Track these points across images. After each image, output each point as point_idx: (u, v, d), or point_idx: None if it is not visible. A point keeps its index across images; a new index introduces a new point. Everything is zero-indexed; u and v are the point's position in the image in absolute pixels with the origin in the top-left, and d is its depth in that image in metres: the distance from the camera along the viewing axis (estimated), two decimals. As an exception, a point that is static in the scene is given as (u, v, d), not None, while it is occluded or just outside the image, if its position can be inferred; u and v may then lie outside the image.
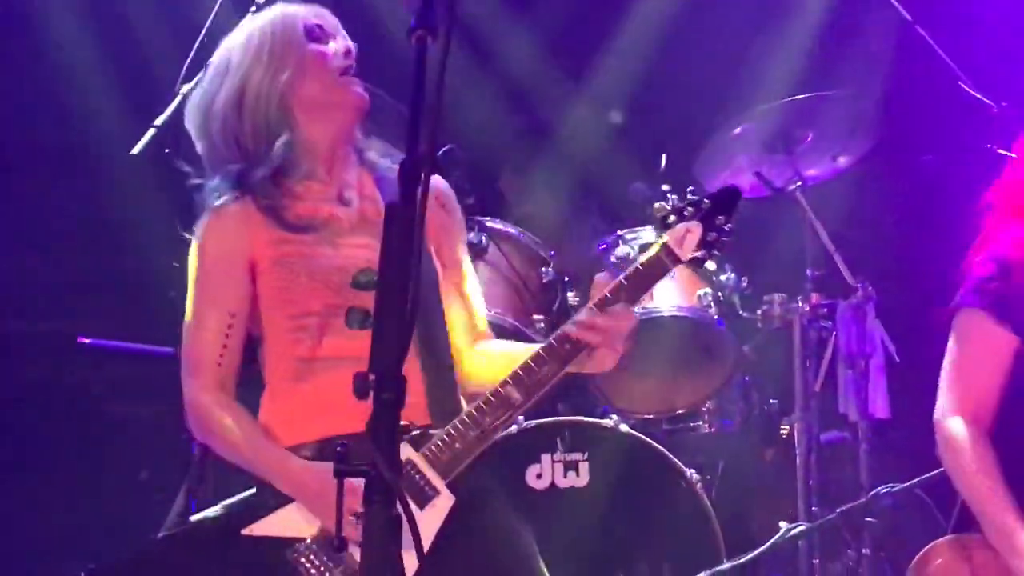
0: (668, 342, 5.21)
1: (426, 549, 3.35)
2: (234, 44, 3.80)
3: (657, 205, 3.61)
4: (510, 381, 3.47)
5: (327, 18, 3.81)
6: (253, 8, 5.29)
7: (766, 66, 6.02)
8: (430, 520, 3.41)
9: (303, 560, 3.42)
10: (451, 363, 3.70)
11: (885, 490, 5.12)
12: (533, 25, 6.69)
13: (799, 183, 5.47)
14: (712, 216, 3.56)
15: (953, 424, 3.64)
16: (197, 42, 5.23)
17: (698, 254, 3.55)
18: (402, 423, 3.18)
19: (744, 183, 5.61)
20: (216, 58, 3.84)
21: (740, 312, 5.47)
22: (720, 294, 5.46)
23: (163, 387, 5.64)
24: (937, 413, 3.69)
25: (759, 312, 5.50)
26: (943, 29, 5.42)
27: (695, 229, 3.54)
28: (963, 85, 5.31)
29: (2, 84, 6.36)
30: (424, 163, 2.61)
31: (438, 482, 3.43)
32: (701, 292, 5.44)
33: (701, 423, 5.46)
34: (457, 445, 3.44)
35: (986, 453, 3.60)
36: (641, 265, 3.53)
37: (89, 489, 6.19)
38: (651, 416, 5.36)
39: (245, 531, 3.45)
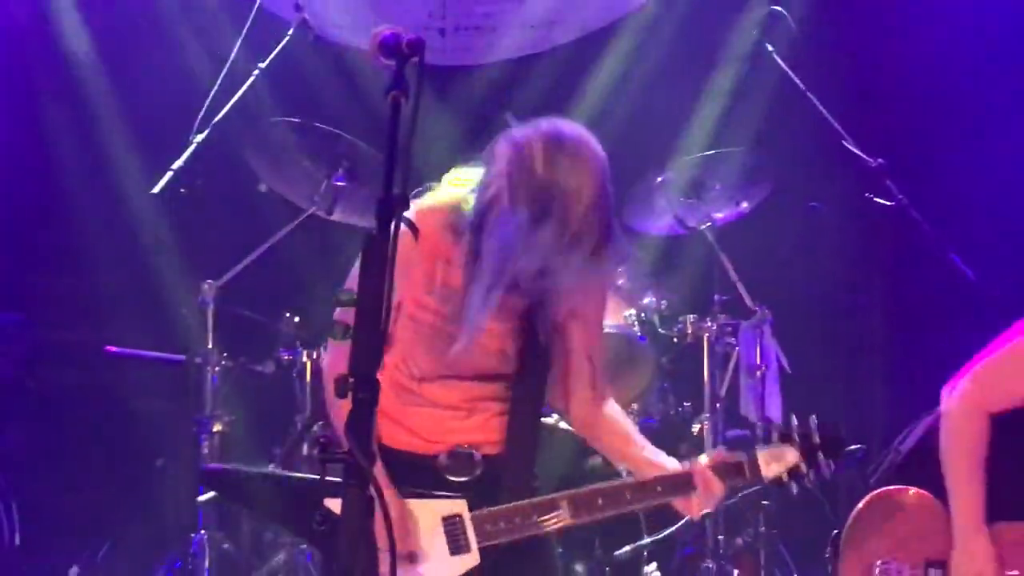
0: (611, 352, 5.17)
1: None
2: None
3: (775, 428, 3.43)
4: (576, 501, 3.34)
5: None
6: (268, 60, 5.29)
7: (684, 125, 5.96)
8: (453, 566, 3.33)
9: None
10: (541, 408, 3.51)
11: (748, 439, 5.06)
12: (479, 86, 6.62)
13: (709, 223, 5.45)
14: (814, 455, 3.34)
15: (974, 410, 3.50)
16: (207, 101, 5.20)
17: (784, 479, 3.36)
18: (472, 448, 3.39)
19: (664, 223, 5.61)
20: None
21: (659, 329, 5.47)
22: (643, 314, 5.46)
23: (174, 388, 5.66)
24: (962, 391, 3.52)
25: (675, 329, 5.47)
26: (832, 95, 5.40)
27: (790, 455, 3.34)
28: (846, 144, 5.28)
29: (48, 125, 6.30)
30: (396, 202, 2.59)
31: (472, 542, 3.31)
32: (627, 313, 5.43)
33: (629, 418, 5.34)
34: (502, 524, 3.32)
35: (984, 445, 3.49)
36: (734, 464, 3.34)
37: (113, 474, 6.15)
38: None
39: (327, 502, 3.22)
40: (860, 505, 3.60)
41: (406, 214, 3.16)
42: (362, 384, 2.49)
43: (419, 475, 3.37)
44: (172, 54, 6.21)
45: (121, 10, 6.43)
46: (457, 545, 3.33)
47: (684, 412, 5.53)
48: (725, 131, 5.64)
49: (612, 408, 3.54)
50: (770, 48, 5.40)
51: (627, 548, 4.87)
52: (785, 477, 3.32)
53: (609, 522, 4.72)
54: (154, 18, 6.37)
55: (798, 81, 5.33)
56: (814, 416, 3.40)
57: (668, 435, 5.46)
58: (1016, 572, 3.44)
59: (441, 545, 3.33)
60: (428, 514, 3.33)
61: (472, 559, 3.32)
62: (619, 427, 3.51)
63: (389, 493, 3.26)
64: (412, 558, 3.32)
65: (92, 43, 6.36)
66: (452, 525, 3.33)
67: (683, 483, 3.34)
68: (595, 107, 6.30)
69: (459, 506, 3.33)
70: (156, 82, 6.16)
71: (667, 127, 6.09)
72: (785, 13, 5.38)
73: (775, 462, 3.33)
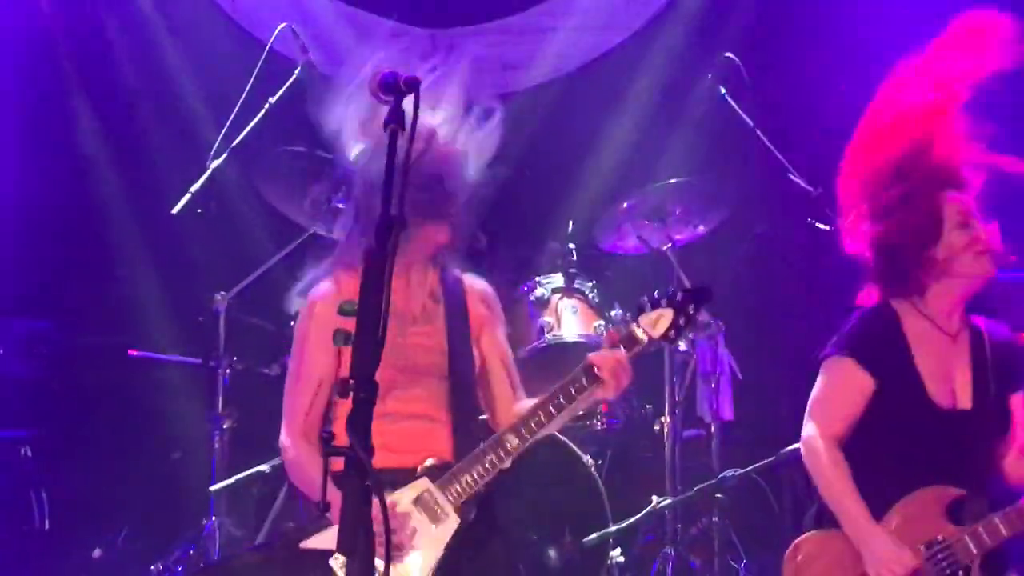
0: (572, 360, 5.07)
1: (433, 562, 3.34)
2: None
3: (645, 297, 3.48)
4: (517, 427, 3.38)
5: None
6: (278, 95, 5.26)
7: (648, 157, 5.95)
8: (441, 534, 3.35)
9: (338, 566, 3.30)
10: (476, 416, 3.61)
11: (730, 473, 5.08)
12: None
13: (670, 244, 5.43)
14: (684, 307, 3.45)
15: (820, 444, 3.49)
16: (222, 132, 5.18)
17: (669, 334, 3.45)
18: (430, 462, 3.42)
19: (629, 244, 5.61)
20: None
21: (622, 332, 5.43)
22: (610, 326, 5.37)
23: (190, 388, 5.66)
24: (806, 434, 3.54)
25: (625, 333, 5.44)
26: (779, 133, 5.44)
27: (667, 315, 3.44)
28: (791, 176, 5.31)
29: (82, 154, 6.29)
30: (394, 221, 2.61)
31: (448, 506, 3.35)
32: (596, 324, 5.41)
33: (595, 421, 5.37)
34: (465, 478, 3.36)
35: (844, 466, 3.47)
36: (627, 335, 3.44)
37: (134, 465, 6.10)
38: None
39: (302, 544, 3.35)
40: (787, 557, 3.52)
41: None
42: (362, 384, 2.49)
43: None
44: (194, 88, 6.21)
45: (146, 51, 6.41)
46: (435, 516, 3.35)
47: (646, 413, 5.52)
48: (684, 163, 5.65)
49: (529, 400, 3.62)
50: (723, 91, 5.41)
51: (594, 536, 4.85)
52: (671, 334, 3.44)
53: (577, 512, 4.83)
54: (178, 57, 6.36)
55: (749, 120, 5.37)
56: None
57: (632, 434, 5.52)
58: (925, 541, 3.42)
59: (423, 523, 3.35)
60: (404, 503, 3.35)
61: (453, 521, 3.35)
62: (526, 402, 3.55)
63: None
64: (400, 548, 3.32)
65: (125, 75, 6.37)
66: (424, 502, 3.35)
67: (589, 372, 3.37)
68: (570, 141, 6.34)
69: (423, 483, 3.36)
70: (178, 112, 6.15)
71: (633, 159, 6.12)
72: (738, 61, 5.39)
73: (658, 323, 3.42)
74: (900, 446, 3.49)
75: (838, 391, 3.55)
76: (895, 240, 3.53)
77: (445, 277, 3.65)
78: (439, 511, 3.35)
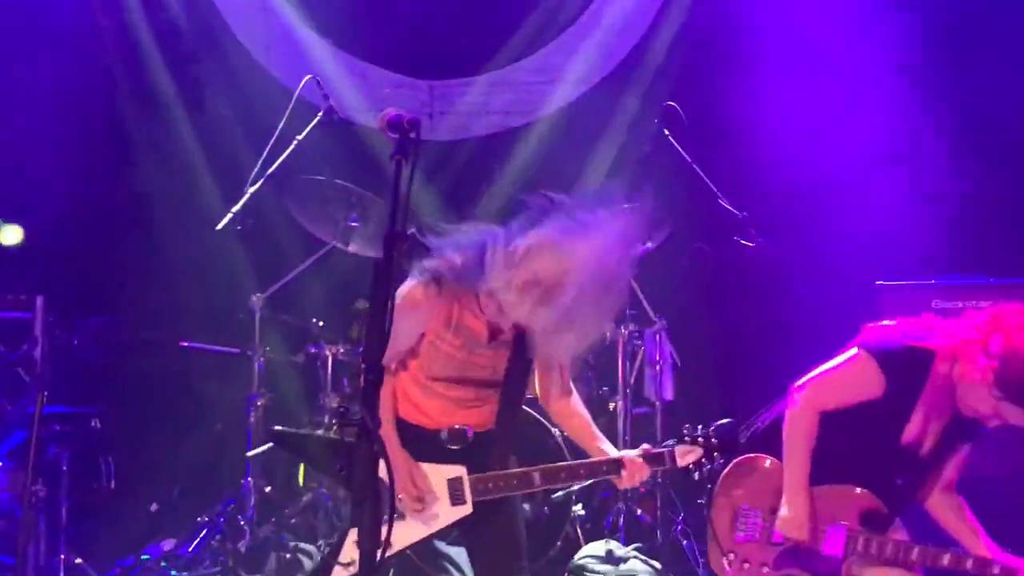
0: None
1: (441, 527, 3.41)
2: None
3: (688, 431, 3.50)
4: (543, 474, 3.45)
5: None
6: (304, 133, 5.31)
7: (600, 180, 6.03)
8: (453, 515, 3.40)
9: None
10: (520, 403, 3.59)
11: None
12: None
13: (624, 257, 5.43)
14: (710, 453, 3.47)
15: (808, 409, 3.50)
16: (259, 162, 5.21)
17: (689, 467, 3.48)
18: (481, 429, 3.43)
19: None
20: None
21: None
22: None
23: (230, 373, 5.74)
24: (802, 396, 3.51)
25: None
26: (711, 167, 5.48)
27: (696, 452, 3.46)
28: (721, 202, 5.37)
29: (142, 178, 6.32)
30: (398, 237, 2.65)
31: (469, 497, 3.40)
32: None
33: None
34: (491, 485, 3.41)
35: (814, 433, 3.50)
36: (655, 455, 3.46)
37: (183, 436, 6.15)
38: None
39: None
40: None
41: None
42: (372, 369, 2.57)
43: (423, 444, 3.43)
44: (234, 126, 6.26)
45: (196, 95, 6.48)
46: (457, 499, 3.41)
47: (603, 394, 5.54)
48: (634, 189, 5.61)
49: (577, 401, 3.67)
50: (667, 133, 5.42)
51: (561, 493, 4.89)
52: (692, 467, 3.46)
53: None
54: (222, 101, 6.44)
55: (687, 157, 5.40)
56: (715, 425, 3.49)
57: (592, 411, 5.29)
58: (836, 523, 3.49)
59: (444, 498, 3.40)
60: (436, 475, 3.40)
61: (467, 509, 3.41)
62: (583, 420, 3.63)
63: (400, 453, 3.37)
64: (421, 501, 3.37)
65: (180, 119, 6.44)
66: (454, 484, 3.40)
67: (618, 465, 3.43)
68: (547, 169, 6.37)
69: (460, 471, 3.41)
70: (221, 146, 6.21)
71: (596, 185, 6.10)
72: (678, 108, 5.41)
73: (687, 455, 3.45)
74: (858, 449, 3.49)
75: (851, 380, 3.49)
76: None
77: None
78: (461, 497, 3.39)
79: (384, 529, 2.55)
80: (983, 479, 3.77)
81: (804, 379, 3.56)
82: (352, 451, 3.15)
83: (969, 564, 3.44)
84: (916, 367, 3.43)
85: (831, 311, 4.94)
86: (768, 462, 3.59)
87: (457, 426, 3.45)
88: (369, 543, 2.55)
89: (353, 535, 3.25)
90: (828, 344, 5.26)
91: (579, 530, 4.99)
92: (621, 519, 5.11)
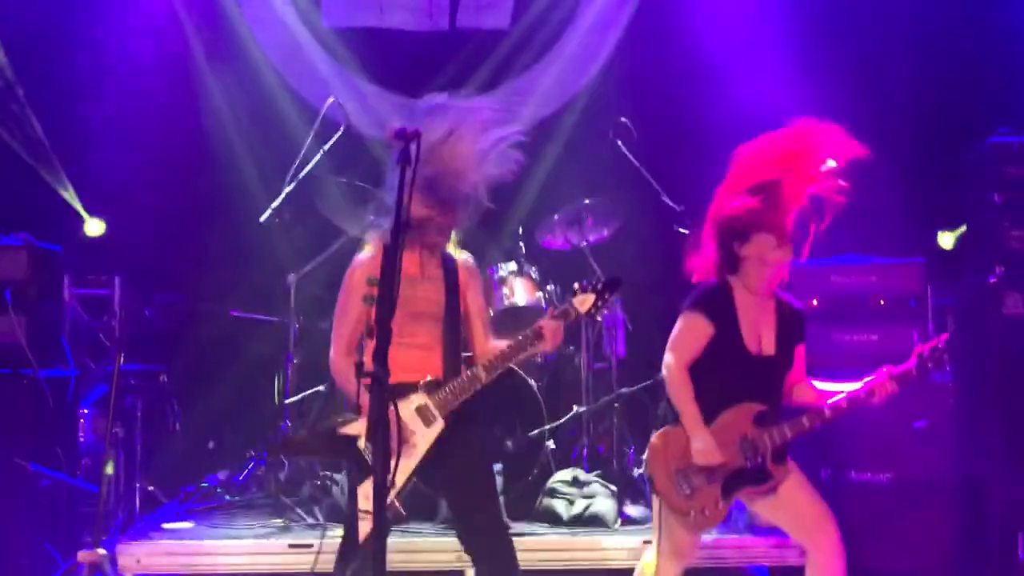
0: (522, 318, 5.18)
1: (425, 452, 3.31)
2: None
3: (577, 283, 3.47)
4: (486, 367, 3.37)
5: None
6: (328, 144, 5.25)
7: (571, 186, 5.90)
8: (431, 433, 3.33)
9: (363, 447, 3.29)
10: (460, 350, 3.51)
11: (624, 390, 5.18)
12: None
13: (586, 243, 5.45)
14: (602, 294, 3.44)
15: (675, 368, 3.51)
16: (293, 167, 5.17)
17: (591, 311, 3.45)
18: (430, 378, 3.35)
19: (559, 242, 5.60)
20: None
21: (555, 303, 5.40)
22: (547, 295, 5.44)
23: (272, 337, 5.69)
24: (667, 361, 3.52)
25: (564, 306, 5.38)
26: (655, 169, 5.45)
27: (591, 298, 3.44)
28: (663, 198, 5.36)
29: (205, 189, 6.30)
30: (403, 226, 2.69)
31: (437, 413, 3.33)
32: (538, 294, 5.41)
33: (537, 357, 5.27)
34: (449, 394, 3.35)
35: (688, 383, 3.49)
36: (563, 310, 3.44)
37: (235, 388, 6.12)
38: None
39: (341, 430, 3.33)
40: (647, 450, 3.55)
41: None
42: (382, 330, 2.59)
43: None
44: (273, 139, 6.22)
45: (248, 110, 6.44)
46: (428, 420, 3.33)
47: (570, 351, 5.52)
48: (595, 189, 5.64)
49: (497, 341, 3.59)
50: (620, 143, 5.43)
51: (536, 431, 4.87)
52: (593, 309, 3.44)
53: (526, 416, 4.87)
54: (260, 119, 6.39)
55: (636, 162, 5.40)
56: (596, 276, 3.58)
57: (561, 365, 5.52)
58: (741, 436, 3.47)
59: (419, 424, 3.33)
60: (406, 410, 3.33)
61: (439, 425, 3.33)
62: (500, 345, 3.51)
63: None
64: (404, 442, 3.30)
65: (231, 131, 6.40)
66: (421, 410, 3.32)
67: (538, 334, 3.38)
68: (523, 173, 6.10)
69: (421, 397, 3.34)
70: (264, 155, 6.16)
71: (562, 185, 6.13)
72: (629, 124, 5.43)
73: (585, 302, 3.44)
74: (723, 376, 3.50)
75: (690, 333, 3.53)
76: (729, 237, 3.54)
77: (445, 254, 3.61)
78: (431, 416, 3.33)
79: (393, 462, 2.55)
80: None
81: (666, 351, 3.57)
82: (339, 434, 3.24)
83: (828, 413, 3.50)
84: (720, 293, 3.53)
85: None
86: (670, 431, 3.53)
87: (429, 378, 3.39)
88: (381, 475, 2.53)
89: (364, 488, 3.19)
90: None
91: (551, 460, 4.98)
92: (584, 452, 5.10)
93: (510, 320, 5.10)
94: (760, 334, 3.53)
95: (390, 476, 2.71)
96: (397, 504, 3.17)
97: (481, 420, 3.55)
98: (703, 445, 3.43)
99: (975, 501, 4.66)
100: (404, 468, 3.31)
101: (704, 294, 3.56)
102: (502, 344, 3.45)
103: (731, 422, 3.48)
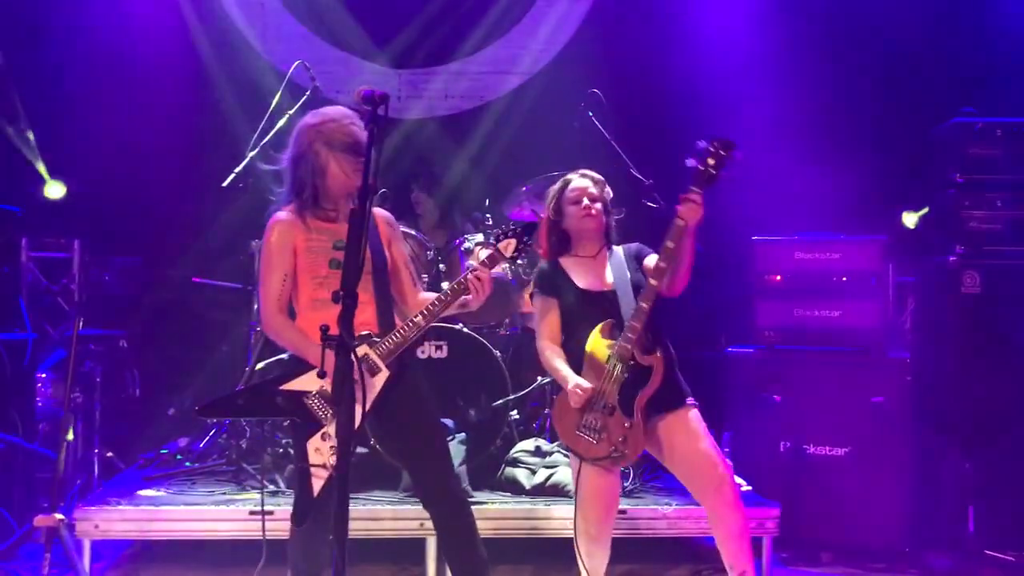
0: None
1: (373, 400, 3.28)
2: (305, 127, 3.45)
3: (498, 231, 3.50)
4: (421, 312, 3.35)
5: (359, 138, 3.37)
6: (294, 108, 5.17)
7: (540, 157, 5.82)
8: (376, 383, 3.30)
9: (311, 402, 3.28)
10: (392, 303, 3.47)
11: (491, 242, 5.25)
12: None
13: (550, 214, 5.44)
14: (522, 236, 3.46)
15: (544, 345, 3.73)
16: (256, 132, 5.13)
17: (514, 254, 3.46)
18: (365, 332, 3.31)
19: (525, 213, 5.58)
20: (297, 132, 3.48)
21: (522, 276, 5.44)
22: (513, 268, 5.44)
23: (234, 304, 5.64)
24: (538, 340, 3.76)
25: (530, 276, 5.37)
26: (625, 143, 5.42)
27: (513, 243, 3.46)
28: (632, 171, 5.34)
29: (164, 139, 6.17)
30: (370, 190, 2.68)
31: (380, 363, 3.31)
32: (504, 265, 5.31)
33: (501, 329, 5.43)
34: (389, 344, 3.33)
35: (558, 352, 3.68)
36: (489, 256, 3.42)
37: (198, 354, 6.08)
38: (479, 325, 5.28)
39: (283, 386, 3.29)
40: (551, 418, 3.82)
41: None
42: (348, 295, 2.58)
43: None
44: (237, 103, 6.14)
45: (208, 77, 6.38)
46: (372, 370, 3.30)
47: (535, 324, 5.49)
48: (563, 161, 5.56)
49: (425, 292, 3.58)
50: (591, 114, 5.40)
51: (500, 401, 4.89)
52: (516, 253, 3.45)
53: (490, 387, 4.88)
54: (227, 83, 6.32)
55: (606, 134, 5.38)
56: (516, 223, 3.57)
57: (525, 339, 5.45)
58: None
59: (365, 375, 3.27)
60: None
61: (384, 374, 3.31)
62: (429, 296, 3.49)
63: (319, 357, 3.21)
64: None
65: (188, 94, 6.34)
66: (365, 361, 3.29)
67: (462, 286, 3.36)
68: (494, 144, 6.36)
69: (363, 349, 3.30)
70: (226, 120, 6.08)
71: (529, 157, 6.09)
72: (601, 95, 5.39)
73: (508, 246, 3.44)
74: (578, 320, 3.66)
75: (544, 313, 3.75)
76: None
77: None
78: (375, 366, 3.31)
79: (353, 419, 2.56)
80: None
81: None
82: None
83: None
84: (552, 270, 3.79)
85: (719, 259, 4.90)
86: (559, 397, 3.66)
87: (366, 332, 3.35)
88: (346, 432, 2.56)
89: (313, 442, 3.21)
90: (718, 282, 5.39)
91: (514, 431, 5.02)
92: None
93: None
94: (599, 277, 3.75)
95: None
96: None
97: (424, 373, 3.53)
98: (572, 383, 3.55)
99: (929, 475, 4.79)
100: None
101: (539, 276, 3.84)
102: (431, 296, 3.45)
103: (592, 357, 3.60)
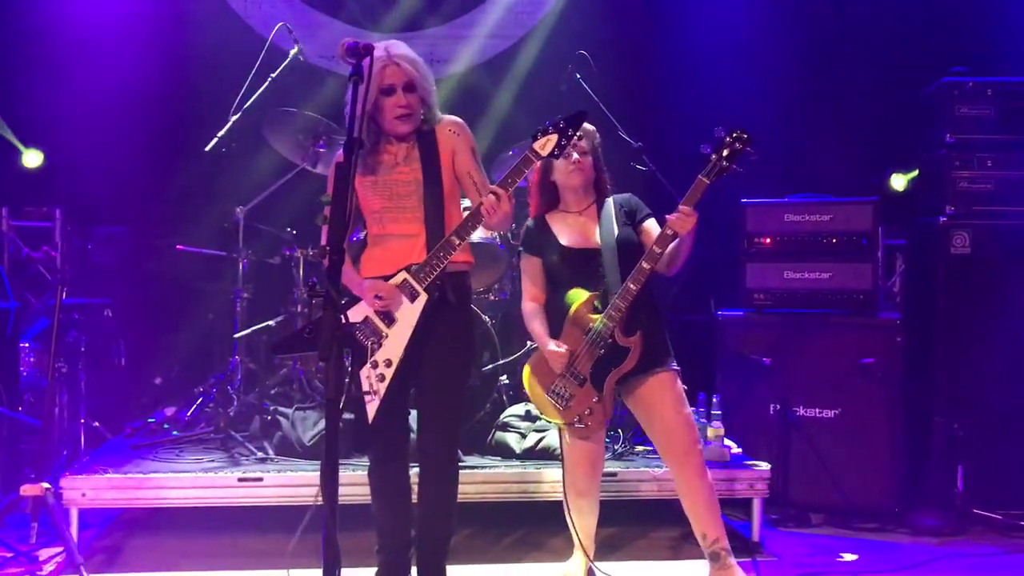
0: (479, 255, 5.14)
1: (414, 323, 3.34)
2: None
3: (538, 128, 3.28)
4: (456, 233, 3.29)
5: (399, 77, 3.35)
6: (277, 72, 5.15)
7: (529, 120, 5.69)
8: (416, 306, 3.34)
9: (359, 333, 3.35)
10: (444, 230, 3.36)
11: (528, 141, 5.35)
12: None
13: (539, 179, 5.43)
14: (565, 130, 3.27)
15: (527, 305, 3.78)
16: (239, 95, 5.08)
17: (555, 151, 3.27)
18: (412, 266, 3.35)
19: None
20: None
21: (511, 241, 5.40)
22: (502, 234, 5.38)
23: (220, 271, 5.64)
24: (523, 304, 3.79)
25: (518, 240, 5.43)
26: (614, 104, 5.41)
27: (553, 138, 3.27)
28: (620, 133, 5.33)
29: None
30: (354, 143, 2.67)
31: (419, 288, 3.34)
32: (492, 233, 5.32)
33: (491, 295, 5.42)
34: (428, 268, 3.33)
35: (540, 313, 3.73)
36: (527, 155, 3.29)
37: (183, 322, 6.08)
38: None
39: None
40: (525, 377, 3.73)
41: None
42: (335, 251, 2.56)
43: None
44: (222, 66, 6.01)
45: (191, 41, 6.30)
46: (412, 295, 3.35)
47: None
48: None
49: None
50: (578, 76, 5.40)
51: (490, 366, 4.91)
52: (556, 150, 3.29)
53: (480, 351, 4.85)
54: (209, 47, 6.24)
55: (594, 96, 5.36)
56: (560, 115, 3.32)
57: (514, 303, 5.38)
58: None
59: (404, 300, 3.34)
60: (388, 290, 3.36)
61: (423, 298, 3.35)
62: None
63: (363, 283, 3.39)
64: (390, 317, 3.35)
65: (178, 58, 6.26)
66: (404, 286, 3.34)
67: (478, 211, 3.28)
68: (479, 109, 6.28)
69: (402, 275, 3.36)
70: (211, 82, 5.96)
71: (518, 121, 6.08)
72: (588, 56, 5.39)
73: (547, 144, 3.27)
74: (560, 278, 3.70)
75: (528, 272, 3.79)
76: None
77: (421, 129, 3.43)
78: (414, 291, 3.35)
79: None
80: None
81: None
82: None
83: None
84: (538, 228, 3.78)
85: (708, 223, 4.87)
86: (532, 359, 3.72)
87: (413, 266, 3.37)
88: (335, 392, 2.55)
89: (364, 371, 3.30)
90: (710, 247, 5.39)
91: (504, 395, 5.03)
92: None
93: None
94: (586, 234, 3.73)
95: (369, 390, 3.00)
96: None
97: (466, 311, 3.54)
98: (550, 352, 3.60)
99: (919, 436, 4.83)
100: (398, 343, 3.33)
101: (525, 236, 3.84)
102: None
103: (572, 323, 3.61)
